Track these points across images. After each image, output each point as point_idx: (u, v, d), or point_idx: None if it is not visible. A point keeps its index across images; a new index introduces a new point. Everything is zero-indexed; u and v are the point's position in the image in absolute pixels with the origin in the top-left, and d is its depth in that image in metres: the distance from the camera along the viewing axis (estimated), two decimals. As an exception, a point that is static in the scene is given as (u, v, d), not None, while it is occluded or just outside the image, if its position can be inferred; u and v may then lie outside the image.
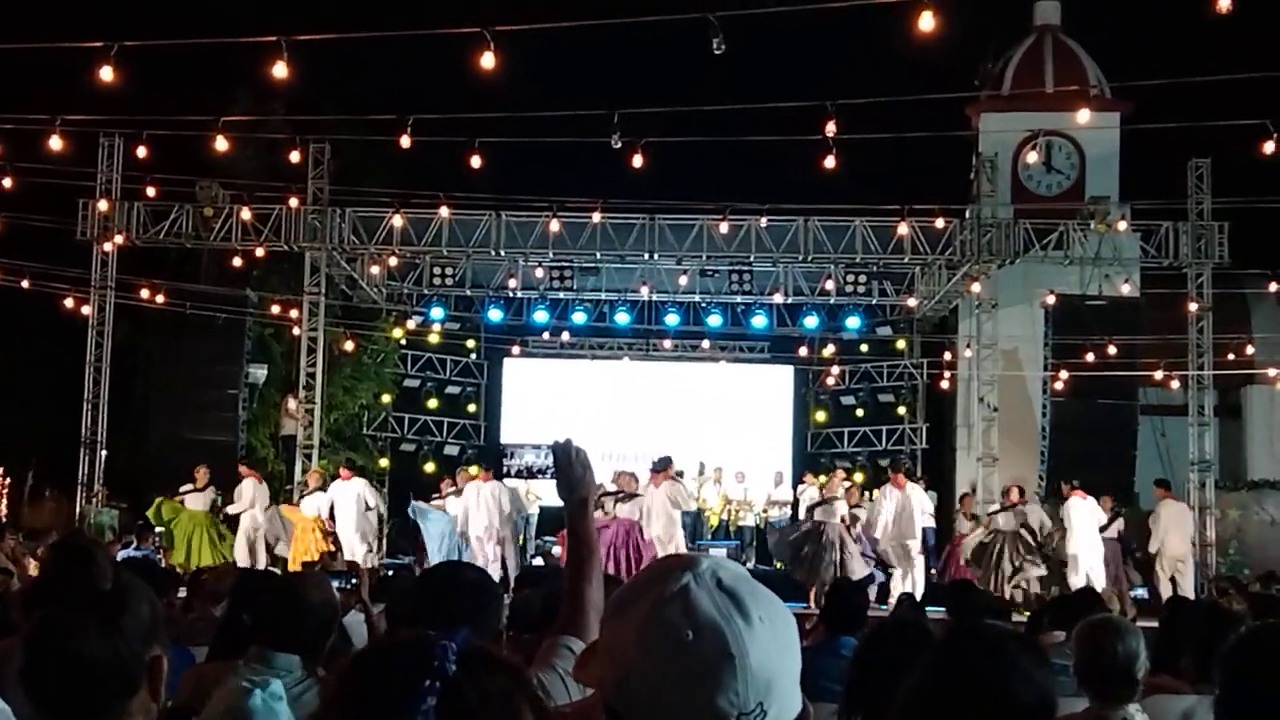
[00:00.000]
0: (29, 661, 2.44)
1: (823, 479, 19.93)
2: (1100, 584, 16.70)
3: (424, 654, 1.47)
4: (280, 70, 12.72)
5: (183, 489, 19.18)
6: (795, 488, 22.83)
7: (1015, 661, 2.41)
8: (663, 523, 17.77)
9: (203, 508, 19.05)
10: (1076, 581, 16.90)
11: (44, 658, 2.42)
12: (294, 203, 21.14)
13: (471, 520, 18.67)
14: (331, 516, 19.00)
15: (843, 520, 17.93)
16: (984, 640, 2.51)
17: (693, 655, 1.48)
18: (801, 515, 19.58)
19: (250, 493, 19.07)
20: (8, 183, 18.03)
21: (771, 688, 1.52)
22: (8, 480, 29.24)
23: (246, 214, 20.91)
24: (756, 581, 1.59)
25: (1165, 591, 17.49)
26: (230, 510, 19.19)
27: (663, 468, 18.13)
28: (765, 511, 22.92)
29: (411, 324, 25.32)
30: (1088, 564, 17.61)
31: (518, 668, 1.58)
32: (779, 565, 19.59)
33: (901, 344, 25.87)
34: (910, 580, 18.10)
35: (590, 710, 1.80)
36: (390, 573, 17.60)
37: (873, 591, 15.88)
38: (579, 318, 24.29)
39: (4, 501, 28.94)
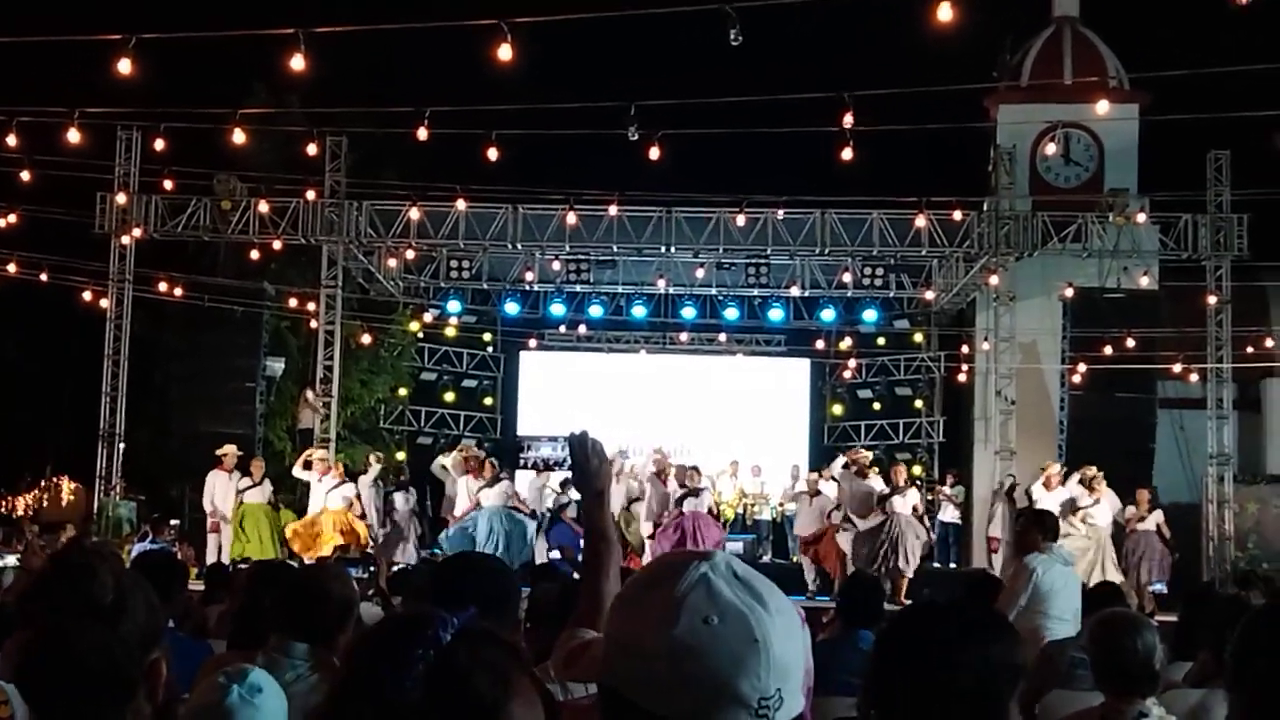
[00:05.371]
0: (24, 668, 2.43)
1: (874, 467, 19.61)
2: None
3: (420, 625, 1.54)
4: (297, 63, 12.72)
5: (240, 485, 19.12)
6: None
7: (953, 640, 2.28)
8: None
9: (261, 500, 19.01)
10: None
11: (38, 667, 2.41)
12: (311, 196, 21.18)
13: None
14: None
15: (915, 510, 18.14)
16: (925, 619, 2.42)
17: (720, 639, 1.51)
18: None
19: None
20: (26, 176, 18.07)
21: (788, 677, 1.55)
22: (27, 475, 29.36)
23: (264, 207, 20.96)
24: (765, 578, 1.62)
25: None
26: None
27: None
28: (781, 505, 22.88)
29: (428, 317, 25.33)
30: None
31: (516, 646, 1.63)
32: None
33: (919, 337, 25.79)
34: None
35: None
36: (409, 564, 17.62)
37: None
38: (595, 311, 24.33)
39: (26, 495, 29.02)
